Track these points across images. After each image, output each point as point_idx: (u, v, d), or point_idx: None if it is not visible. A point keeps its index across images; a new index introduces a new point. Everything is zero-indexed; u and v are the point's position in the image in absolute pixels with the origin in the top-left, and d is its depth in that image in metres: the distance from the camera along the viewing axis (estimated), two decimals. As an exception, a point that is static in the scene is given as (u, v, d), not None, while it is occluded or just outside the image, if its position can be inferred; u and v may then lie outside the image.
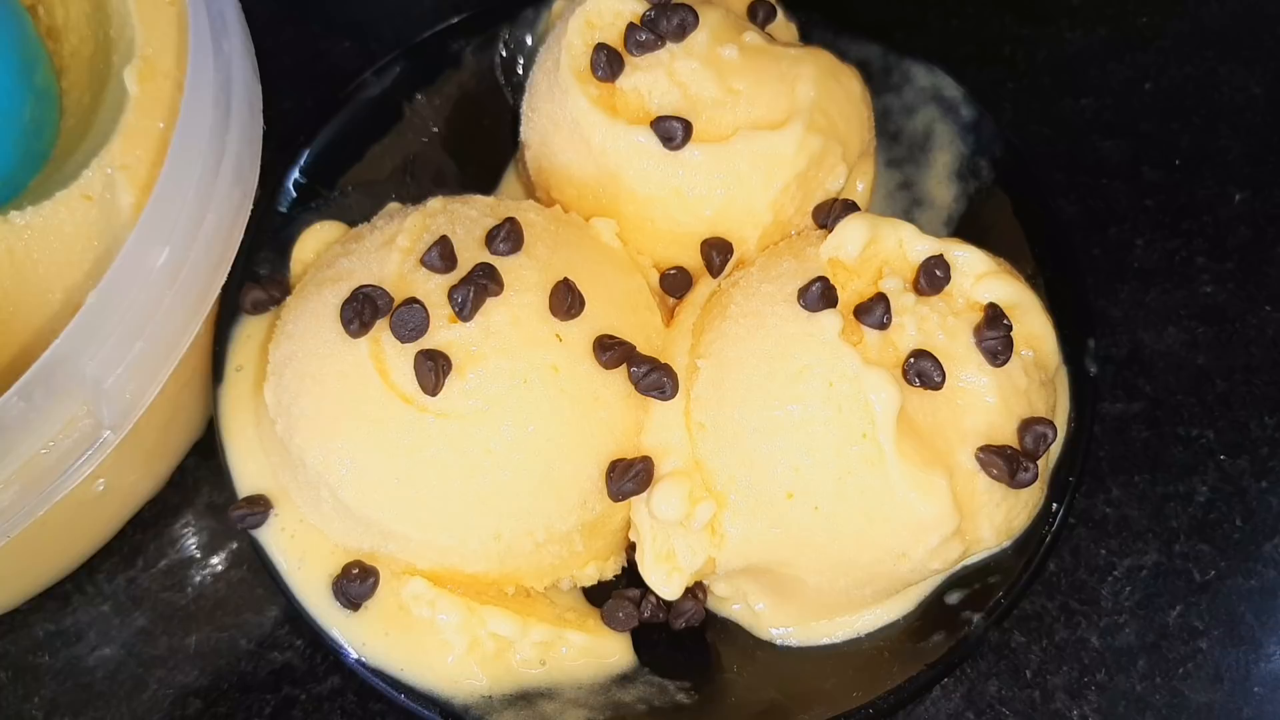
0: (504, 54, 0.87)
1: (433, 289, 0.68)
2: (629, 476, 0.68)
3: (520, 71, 0.87)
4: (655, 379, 0.69)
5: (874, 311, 0.68)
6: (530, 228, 0.71)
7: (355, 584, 0.69)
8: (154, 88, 0.70)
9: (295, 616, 0.72)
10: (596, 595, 0.74)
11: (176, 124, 0.66)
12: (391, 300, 0.67)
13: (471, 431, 0.66)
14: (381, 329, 0.67)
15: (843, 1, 0.89)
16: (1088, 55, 0.98)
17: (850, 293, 0.70)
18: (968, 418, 0.68)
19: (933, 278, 0.69)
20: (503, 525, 0.68)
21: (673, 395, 0.70)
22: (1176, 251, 0.90)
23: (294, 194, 0.81)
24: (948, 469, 0.66)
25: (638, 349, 0.70)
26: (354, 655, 0.69)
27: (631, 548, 0.72)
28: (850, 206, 0.75)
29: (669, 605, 0.72)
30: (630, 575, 0.74)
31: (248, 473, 0.73)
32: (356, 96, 0.84)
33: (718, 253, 0.75)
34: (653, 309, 0.74)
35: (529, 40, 0.87)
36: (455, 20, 0.87)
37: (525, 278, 0.69)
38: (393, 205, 0.78)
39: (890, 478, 0.65)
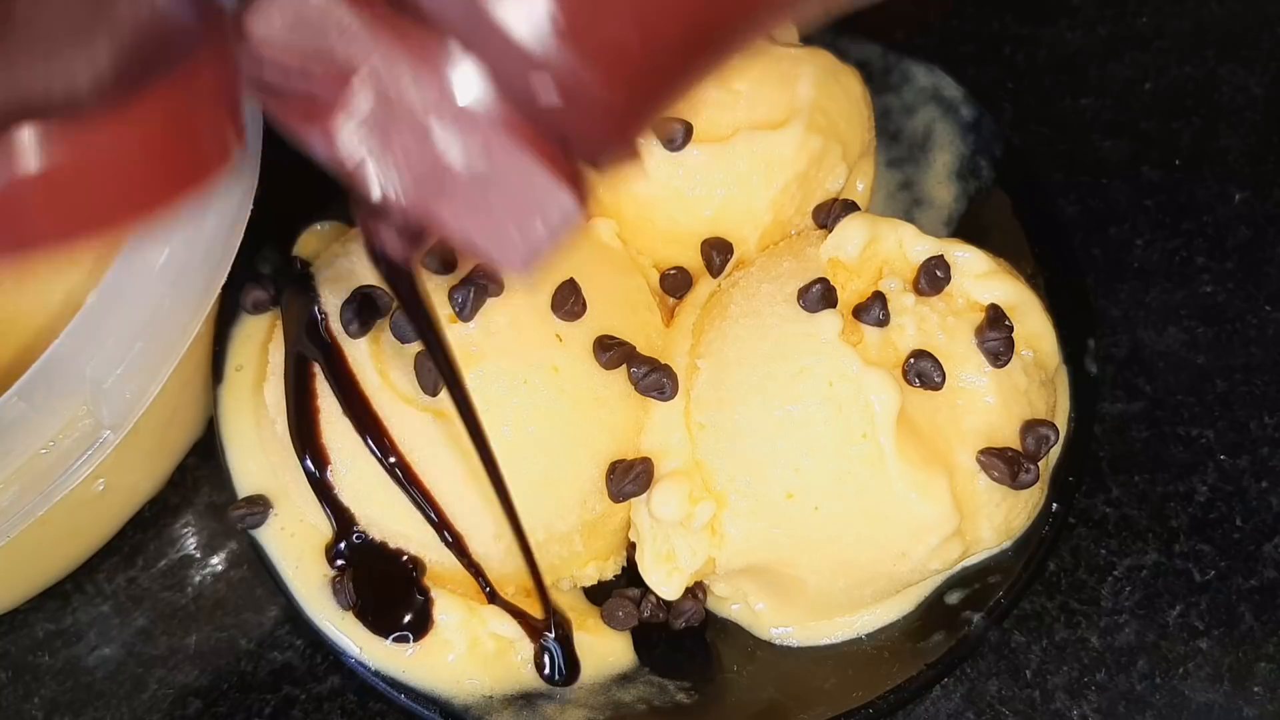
0: (504, 54, 0.87)
1: (432, 289, 0.68)
2: (629, 478, 0.68)
3: (520, 71, 0.87)
4: (655, 379, 0.69)
5: (871, 309, 0.68)
6: (530, 228, 0.71)
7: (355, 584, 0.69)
8: (154, 88, 0.70)
9: (295, 616, 0.72)
10: (597, 595, 0.74)
11: (177, 124, 0.66)
12: (391, 300, 0.67)
13: (471, 431, 0.66)
14: (382, 329, 0.67)
15: (842, 1, 0.89)
16: (1088, 55, 0.98)
17: (850, 293, 0.70)
18: (968, 418, 0.68)
19: (933, 278, 0.69)
20: (502, 525, 0.68)
21: (673, 395, 0.70)
22: (1176, 251, 0.90)
23: (293, 194, 0.81)
24: (947, 469, 0.66)
25: (638, 349, 0.70)
26: (354, 655, 0.69)
27: (632, 548, 0.72)
28: (850, 206, 0.75)
29: (669, 605, 0.72)
30: (630, 575, 0.74)
31: (248, 473, 0.73)
32: (356, 96, 0.84)
33: (718, 253, 0.75)
34: (653, 309, 0.74)
35: (529, 40, 0.87)
36: (455, 20, 0.86)
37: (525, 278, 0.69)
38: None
39: (890, 478, 0.65)
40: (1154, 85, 0.97)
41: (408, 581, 0.69)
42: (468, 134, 0.38)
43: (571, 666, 0.70)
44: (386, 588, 0.69)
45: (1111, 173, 0.94)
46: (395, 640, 0.68)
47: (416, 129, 0.38)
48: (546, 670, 0.70)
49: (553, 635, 0.69)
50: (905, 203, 0.85)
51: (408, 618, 0.68)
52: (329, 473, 0.68)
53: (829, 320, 0.66)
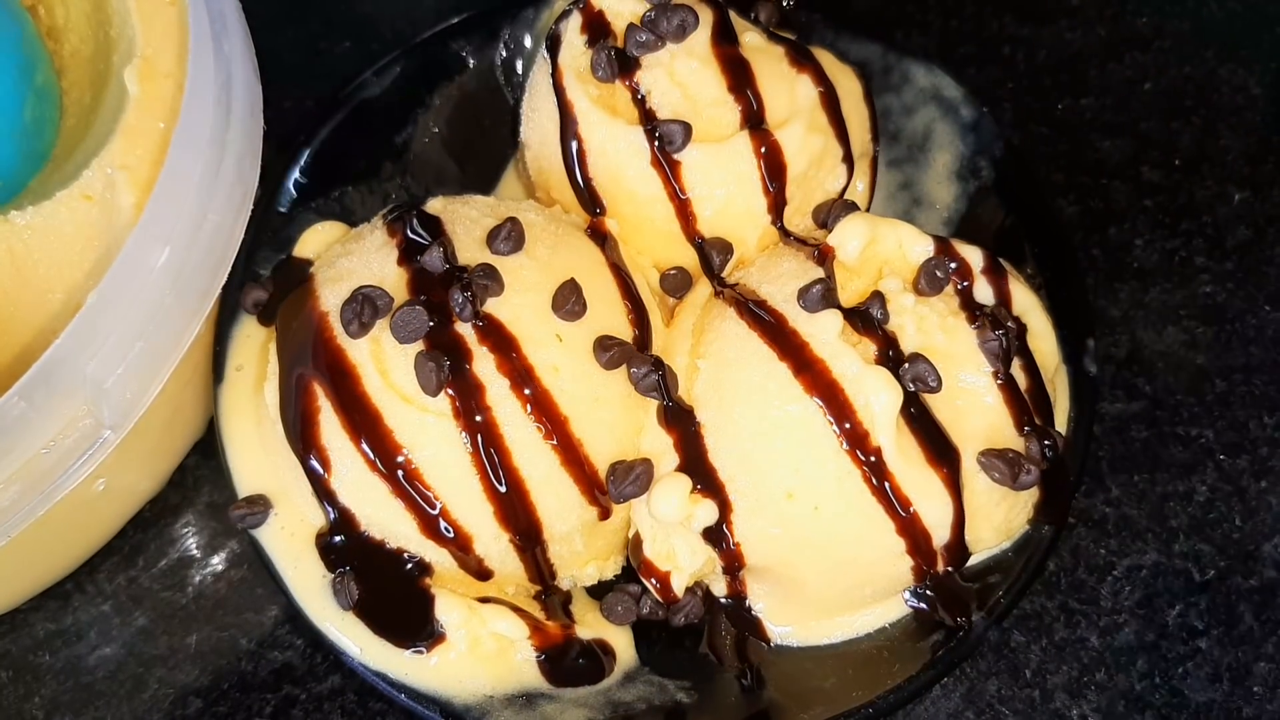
0: (504, 54, 0.87)
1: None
2: (630, 479, 0.68)
3: (520, 71, 0.87)
4: (655, 379, 0.69)
5: (869, 309, 0.68)
6: (530, 228, 0.71)
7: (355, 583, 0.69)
8: (154, 88, 0.70)
9: (295, 616, 0.72)
10: (597, 595, 0.74)
11: (177, 124, 0.66)
12: (391, 300, 0.67)
13: (472, 431, 0.66)
14: (382, 329, 0.67)
15: (843, 1, 0.89)
16: (1088, 55, 0.98)
17: (850, 293, 0.70)
18: (968, 418, 0.68)
19: (933, 278, 0.69)
20: (502, 526, 0.68)
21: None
22: (1176, 251, 0.90)
23: (294, 194, 0.81)
24: (947, 469, 0.66)
25: (637, 349, 0.70)
26: (354, 655, 0.69)
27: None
28: (850, 206, 0.75)
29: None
30: (630, 573, 0.74)
31: (248, 472, 0.73)
32: (356, 96, 0.84)
33: (718, 253, 0.75)
34: (653, 309, 0.74)
35: (529, 40, 0.87)
36: (455, 20, 0.87)
37: (525, 278, 0.69)
38: (393, 205, 0.78)
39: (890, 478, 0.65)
40: (1154, 85, 0.97)
41: (409, 582, 0.69)
42: None
43: (607, 659, 0.71)
44: (389, 589, 0.69)
45: (1111, 173, 0.94)
46: (413, 653, 0.68)
47: None
48: (584, 664, 0.70)
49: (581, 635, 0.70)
50: (905, 203, 0.85)
51: (420, 630, 0.68)
52: (330, 473, 0.68)
53: (829, 320, 0.66)
